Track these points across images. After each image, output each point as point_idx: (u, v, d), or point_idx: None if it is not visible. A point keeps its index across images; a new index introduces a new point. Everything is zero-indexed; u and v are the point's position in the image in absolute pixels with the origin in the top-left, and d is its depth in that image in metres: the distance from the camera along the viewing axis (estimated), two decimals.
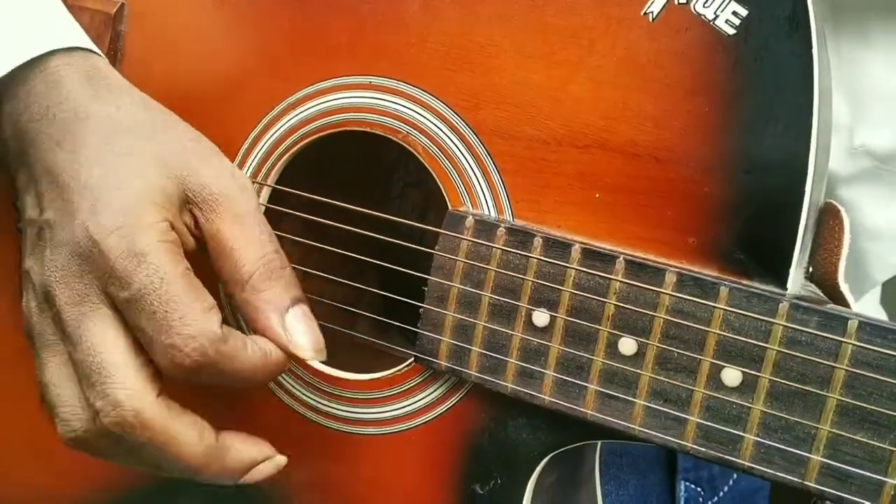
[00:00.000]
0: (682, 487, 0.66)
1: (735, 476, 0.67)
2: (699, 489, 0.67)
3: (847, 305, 0.45)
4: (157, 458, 0.43)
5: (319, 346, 0.46)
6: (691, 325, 0.40)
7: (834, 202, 0.49)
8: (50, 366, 0.44)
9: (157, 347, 0.41)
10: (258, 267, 0.44)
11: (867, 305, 0.68)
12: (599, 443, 0.57)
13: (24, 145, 0.46)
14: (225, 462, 0.45)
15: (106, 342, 0.42)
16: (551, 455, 0.46)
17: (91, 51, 0.48)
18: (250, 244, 0.44)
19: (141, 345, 0.43)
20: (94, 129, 0.44)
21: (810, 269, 0.48)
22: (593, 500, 0.58)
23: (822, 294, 0.46)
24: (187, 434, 0.43)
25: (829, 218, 0.48)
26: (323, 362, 0.50)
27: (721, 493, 0.67)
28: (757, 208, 0.40)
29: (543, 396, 0.44)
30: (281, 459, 0.47)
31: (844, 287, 0.46)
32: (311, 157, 0.52)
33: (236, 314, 0.52)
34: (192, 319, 0.41)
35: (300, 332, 0.45)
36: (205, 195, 0.43)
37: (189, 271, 0.43)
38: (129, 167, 0.42)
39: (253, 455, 0.46)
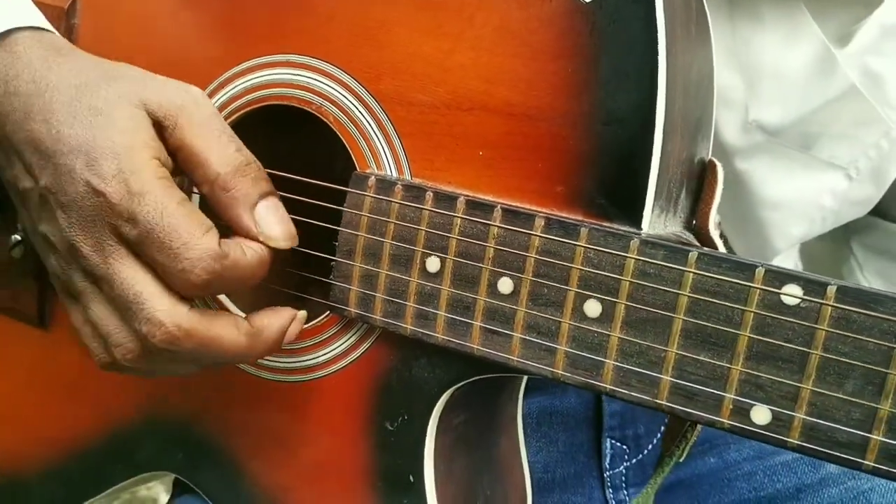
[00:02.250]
0: (608, 445, 0.70)
1: (659, 435, 0.71)
2: (625, 447, 0.70)
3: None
4: (209, 356, 0.49)
5: (290, 234, 0.50)
6: (557, 262, 0.45)
7: (714, 159, 0.53)
8: (90, 308, 0.49)
9: (171, 273, 0.46)
10: (224, 167, 0.48)
11: None
12: (521, 393, 0.62)
13: None
14: (264, 340, 0.50)
15: (134, 276, 0.47)
16: (453, 391, 0.51)
17: (45, 29, 0.53)
18: (214, 147, 0.48)
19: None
20: (56, 96, 0.48)
21: (694, 221, 0.53)
22: (515, 446, 0.62)
23: (694, 240, 0.50)
24: (227, 329, 0.48)
25: (708, 173, 0.53)
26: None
27: (646, 451, 0.70)
28: (614, 157, 0.45)
29: (437, 335, 0.49)
30: (301, 314, 0.52)
31: (714, 234, 0.50)
32: (251, 128, 0.57)
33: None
34: (195, 244, 0.46)
35: (271, 224, 0.49)
36: (165, 112, 0.48)
37: (185, 200, 0.47)
38: (103, 117, 0.47)
39: (282, 323, 0.50)
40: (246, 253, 0.48)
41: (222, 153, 0.48)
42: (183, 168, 0.49)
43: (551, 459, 0.72)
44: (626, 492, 0.71)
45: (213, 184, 0.48)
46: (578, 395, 0.72)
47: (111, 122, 0.47)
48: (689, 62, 0.48)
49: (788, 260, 0.73)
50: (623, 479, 0.71)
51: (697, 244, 0.50)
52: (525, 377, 0.61)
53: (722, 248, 0.49)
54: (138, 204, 0.45)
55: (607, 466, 0.71)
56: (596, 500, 0.71)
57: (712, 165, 0.52)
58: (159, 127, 0.48)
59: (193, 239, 0.45)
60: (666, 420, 0.70)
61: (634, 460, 0.71)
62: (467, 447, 0.56)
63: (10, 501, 0.70)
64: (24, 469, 0.69)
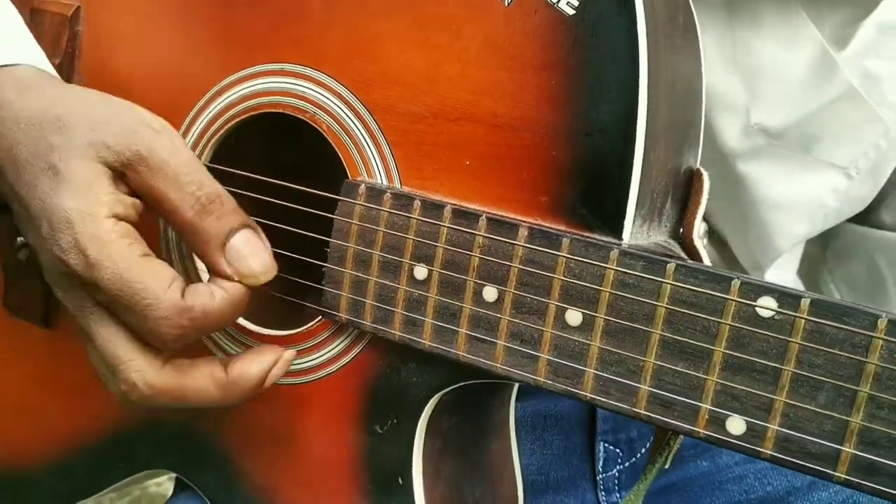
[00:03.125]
0: (602, 448, 0.71)
1: (652, 439, 0.71)
2: (618, 450, 0.71)
3: (700, 260, 0.50)
4: (186, 406, 0.50)
5: (265, 266, 0.50)
6: (540, 272, 0.46)
7: (700, 168, 0.54)
8: (92, 355, 0.52)
9: (143, 332, 0.48)
10: (187, 211, 0.48)
11: (786, 278, 0.72)
12: (513, 397, 0.63)
13: None
14: (238, 388, 0.51)
15: (111, 337, 0.48)
16: (441, 395, 0.52)
17: (16, 64, 0.53)
18: (174, 192, 0.48)
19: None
20: (21, 152, 0.48)
21: (680, 230, 0.53)
22: (507, 450, 0.63)
23: (680, 250, 0.51)
24: (199, 383, 0.50)
25: (695, 181, 0.53)
26: (249, 319, 0.57)
27: (638, 455, 0.71)
28: (595, 168, 0.45)
29: (424, 342, 0.50)
30: (288, 354, 0.52)
31: (698, 242, 0.51)
32: (248, 135, 0.58)
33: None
34: (158, 303, 0.46)
35: (243, 259, 0.49)
36: (122, 160, 0.47)
37: (146, 255, 0.47)
38: (59, 178, 0.47)
39: (261, 368, 0.51)
40: (215, 297, 0.48)
41: (184, 196, 0.48)
42: (153, 210, 0.50)
43: (545, 462, 0.72)
44: (618, 494, 0.72)
45: (182, 228, 0.49)
46: (572, 400, 0.73)
47: (65, 184, 0.47)
48: (674, 73, 0.48)
49: (791, 259, 0.73)
50: (616, 481, 0.72)
51: (681, 254, 0.50)
52: (516, 384, 0.62)
53: (706, 258, 0.50)
54: (97, 272, 0.46)
55: (600, 469, 0.71)
56: (589, 502, 0.72)
57: (698, 174, 0.53)
58: (120, 174, 0.48)
59: (156, 298, 0.46)
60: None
61: (627, 464, 0.71)
62: (457, 451, 0.57)
63: (18, 495, 0.72)
64: (32, 464, 0.71)
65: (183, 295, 0.47)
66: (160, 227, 0.59)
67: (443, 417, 0.54)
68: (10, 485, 0.72)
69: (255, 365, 0.51)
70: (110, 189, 0.47)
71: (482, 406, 0.59)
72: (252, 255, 0.50)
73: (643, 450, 0.72)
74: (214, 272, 0.50)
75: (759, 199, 0.65)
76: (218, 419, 0.60)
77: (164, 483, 0.85)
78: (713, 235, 0.70)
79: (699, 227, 0.51)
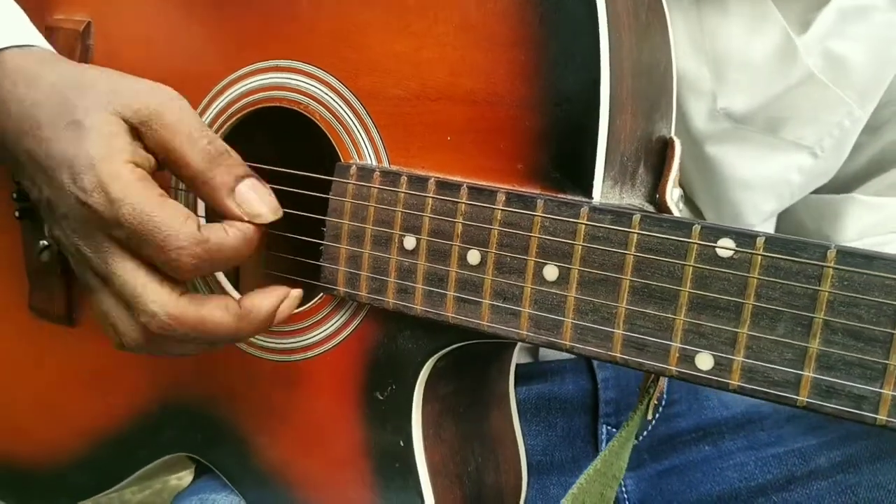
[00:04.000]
0: (604, 430, 0.73)
1: (653, 422, 0.74)
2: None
3: None
4: (203, 337, 0.53)
5: (272, 207, 0.54)
6: (518, 232, 0.49)
7: (673, 137, 0.57)
8: (101, 301, 0.55)
9: (162, 263, 0.51)
10: (199, 163, 0.52)
11: None
12: (511, 370, 0.66)
13: None
14: (252, 319, 0.54)
15: (128, 272, 0.52)
16: (436, 361, 0.55)
17: (34, 45, 0.59)
18: (187, 146, 0.52)
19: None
20: (41, 114, 0.53)
21: (656, 195, 0.56)
22: (509, 422, 0.66)
23: (654, 211, 0.54)
24: (216, 313, 0.53)
25: (668, 149, 0.56)
26: None
27: (640, 438, 0.73)
28: (565, 134, 0.49)
29: (416, 307, 0.53)
30: (295, 293, 0.56)
31: (672, 205, 0.54)
32: (251, 130, 0.62)
33: None
34: (176, 234, 0.50)
35: (252, 201, 0.53)
36: (140, 118, 0.52)
37: (162, 196, 0.51)
38: (82, 130, 0.52)
39: (272, 302, 0.54)
40: (228, 233, 0.52)
41: (195, 150, 0.52)
42: (165, 166, 0.54)
43: (550, 443, 0.75)
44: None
45: (193, 180, 0.53)
46: (575, 384, 0.75)
47: (88, 134, 0.51)
48: (639, 46, 0.52)
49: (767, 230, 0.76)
50: None
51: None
52: (514, 354, 0.65)
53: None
54: (119, 209, 0.50)
55: (603, 450, 0.74)
56: None
57: (671, 142, 0.56)
58: (136, 131, 0.52)
59: (174, 230, 0.50)
60: (660, 408, 0.74)
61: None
62: (456, 417, 0.60)
63: (46, 491, 0.76)
64: (59, 458, 0.74)
65: (199, 228, 0.51)
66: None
67: (440, 383, 0.57)
68: (38, 481, 0.76)
69: (267, 299, 0.54)
70: (129, 139, 0.52)
71: (480, 376, 0.62)
72: (258, 198, 0.54)
73: (644, 433, 0.74)
74: (226, 216, 0.53)
75: (729, 179, 0.68)
76: (232, 399, 0.64)
77: (184, 476, 0.88)
78: (692, 210, 0.73)
79: (672, 192, 0.54)
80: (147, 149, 0.53)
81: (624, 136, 0.50)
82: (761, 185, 0.69)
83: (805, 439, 0.71)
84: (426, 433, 0.56)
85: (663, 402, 0.74)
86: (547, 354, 0.76)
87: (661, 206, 0.54)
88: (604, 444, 0.73)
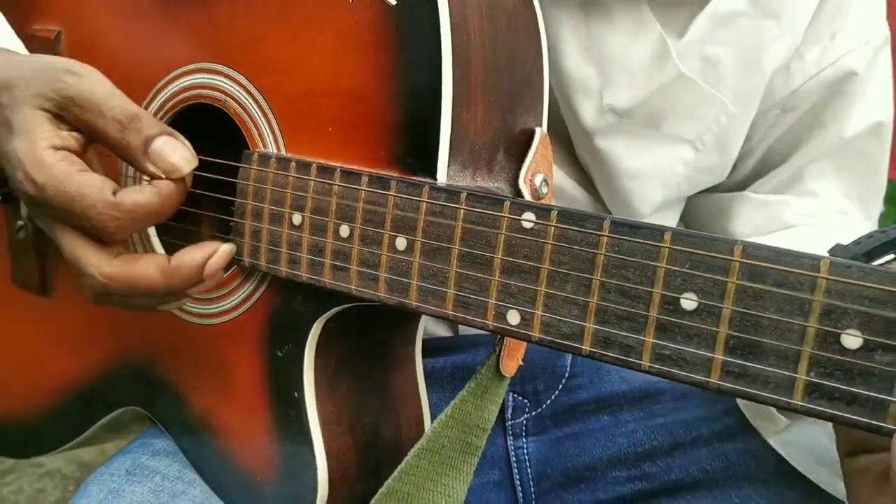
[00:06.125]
0: (511, 398, 0.81)
1: (557, 392, 0.81)
2: (525, 401, 0.81)
3: None
4: (140, 293, 0.60)
5: (186, 158, 0.59)
6: (377, 209, 0.57)
7: (537, 128, 0.64)
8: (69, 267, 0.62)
9: (91, 230, 0.59)
10: (113, 131, 0.57)
11: None
12: (417, 338, 0.74)
13: None
14: (183, 273, 0.59)
15: (69, 241, 0.60)
16: (325, 321, 0.63)
17: None
18: (101, 118, 0.57)
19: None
20: None
21: (518, 180, 0.64)
22: (413, 385, 0.74)
23: (510, 194, 0.61)
24: (146, 271, 0.60)
25: (532, 139, 0.64)
26: None
27: (544, 406, 0.80)
28: (416, 125, 0.57)
29: (302, 275, 0.62)
30: (225, 247, 0.61)
31: (525, 188, 0.62)
32: (186, 124, 0.71)
33: None
34: (93, 202, 0.57)
35: (165, 156, 0.58)
36: (58, 104, 0.57)
37: (82, 170, 0.57)
38: (8, 127, 0.59)
39: (200, 256, 0.59)
40: (144, 192, 0.59)
41: (108, 121, 0.58)
42: (94, 140, 0.61)
43: None
44: (524, 440, 0.81)
45: (114, 148, 0.60)
46: (486, 355, 0.83)
47: (14, 130, 0.58)
48: (493, 48, 0.59)
49: (670, 223, 0.82)
50: (523, 428, 0.81)
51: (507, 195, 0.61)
52: (420, 325, 0.73)
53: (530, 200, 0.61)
54: (45, 192, 0.58)
55: (509, 417, 0.81)
56: (499, 446, 0.81)
57: (532, 133, 0.63)
58: (58, 116, 0.59)
59: (90, 200, 0.57)
60: (563, 380, 0.81)
61: (534, 413, 0.81)
62: (352, 374, 0.68)
63: (28, 439, 0.87)
64: (35, 412, 0.85)
65: (114, 193, 0.58)
66: (121, 168, 0.73)
67: (332, 342, 0.65)
68: (20, 432, 0.87)
69: (197, 252, 0.60)
70: (49, 127, 0.58)
71: (381, 341, 0.71)
72: (171, 152, 0.59)
73: (548, 401, 0.81)
74: (146, 175, 0.60)
75: (618, 170, 0.75)
76: (168, 357, 0.73)
77: None
78: (595, 199, 0.80)
79: (535, 178, 0.62)
80: (72, 128, 0.60)
81: (474, 126, 0.58)
82: (648, 176, 0.76)
83: (692, 412, 0.77)
84: (319, 386, 0.65)
85: (566, 375, 0.81)
86: (465, 330, 0.84)
87: (517, 190, 0.62)
88: (510, 411, 0.81)
